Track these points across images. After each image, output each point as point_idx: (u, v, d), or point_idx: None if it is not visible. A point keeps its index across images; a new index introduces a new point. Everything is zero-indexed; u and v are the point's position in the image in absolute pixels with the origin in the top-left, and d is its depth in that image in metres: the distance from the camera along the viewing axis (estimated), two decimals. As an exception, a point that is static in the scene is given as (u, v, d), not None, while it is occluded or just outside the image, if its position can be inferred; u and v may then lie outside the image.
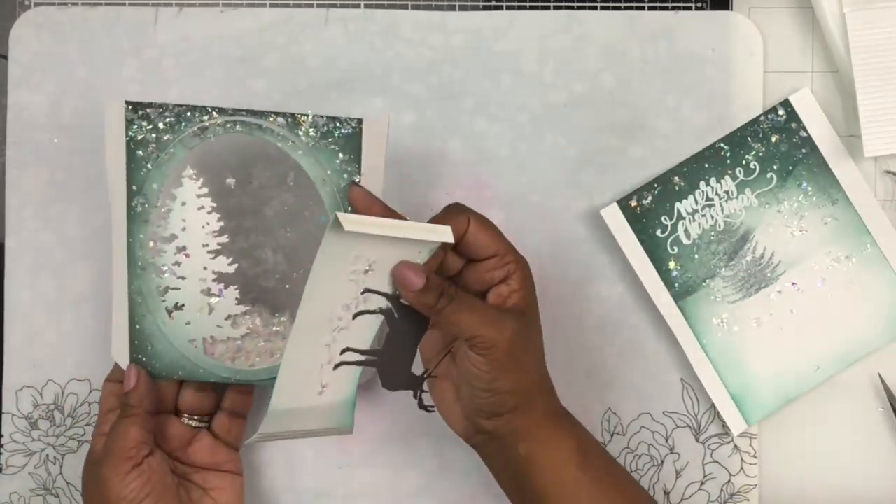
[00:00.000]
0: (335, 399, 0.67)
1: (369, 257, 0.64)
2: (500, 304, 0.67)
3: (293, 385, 0.65)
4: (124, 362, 0.72)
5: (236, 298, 0.73)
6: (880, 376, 0.79)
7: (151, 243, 0.73)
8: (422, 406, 0.69)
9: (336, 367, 0.66)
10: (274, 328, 0.74)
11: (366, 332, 0.66)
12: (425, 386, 0.69)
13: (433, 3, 0.81)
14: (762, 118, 0.79)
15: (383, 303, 0.66)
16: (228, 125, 0.72)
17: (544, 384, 0.69)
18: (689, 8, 0.80)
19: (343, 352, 0.66)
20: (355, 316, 0.65)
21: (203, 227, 0.73)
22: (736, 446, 0.79)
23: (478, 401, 0.66)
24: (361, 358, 0.67)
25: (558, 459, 0.67)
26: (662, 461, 0.79)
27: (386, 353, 0.67)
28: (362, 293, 0.65)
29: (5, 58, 0.81)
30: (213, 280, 0.73)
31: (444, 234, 0.65)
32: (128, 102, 0.71)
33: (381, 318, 0.66)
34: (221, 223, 0.73)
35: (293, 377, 0.65)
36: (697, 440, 0.79)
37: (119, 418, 0.72)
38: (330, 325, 0.65)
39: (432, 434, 0.79)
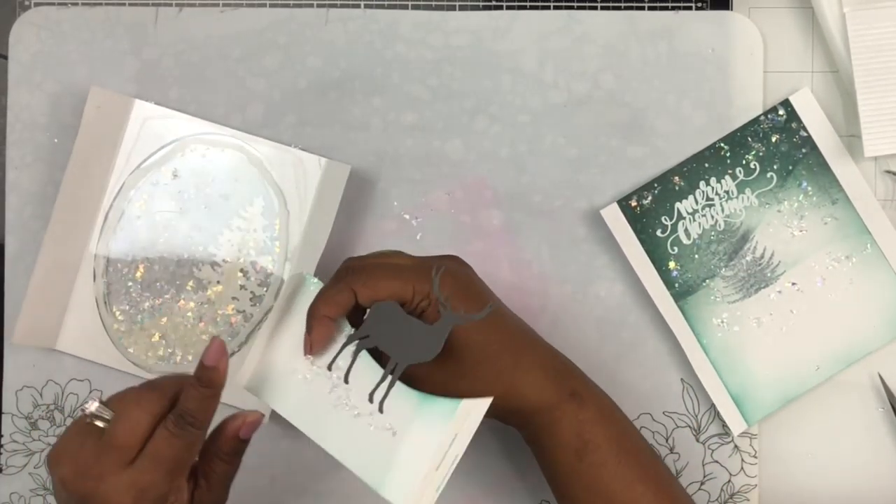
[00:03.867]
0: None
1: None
2: None
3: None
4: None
5: None
6: (880, 376, 0.79)
7: None
8: None
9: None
10: None
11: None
12: None
13: (433, 3, 0.81)
14: (762, 118, 0.79)
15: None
16: None
17: (528, 377, 0.67)
18: (689, 8, 0.80)
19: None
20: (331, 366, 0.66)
21: None
22: (736, 446, 0.79)
23: None
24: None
25: (553, 448, 0.67)
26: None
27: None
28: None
29: (5, 58, 0.81)
30: None
31: None
32: None
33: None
34: None
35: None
36: (697, 440, 0.79)
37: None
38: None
39: (432, 434, 0.79)
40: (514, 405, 0.67)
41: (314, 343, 0.65)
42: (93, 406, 0.62)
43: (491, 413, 0.65)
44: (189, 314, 0.79)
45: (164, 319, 0.79)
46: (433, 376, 0.65)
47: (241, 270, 0.79)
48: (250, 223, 0.79)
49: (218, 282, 0.79)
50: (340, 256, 0.78)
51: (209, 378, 0.63)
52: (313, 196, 0.79)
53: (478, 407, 0.63)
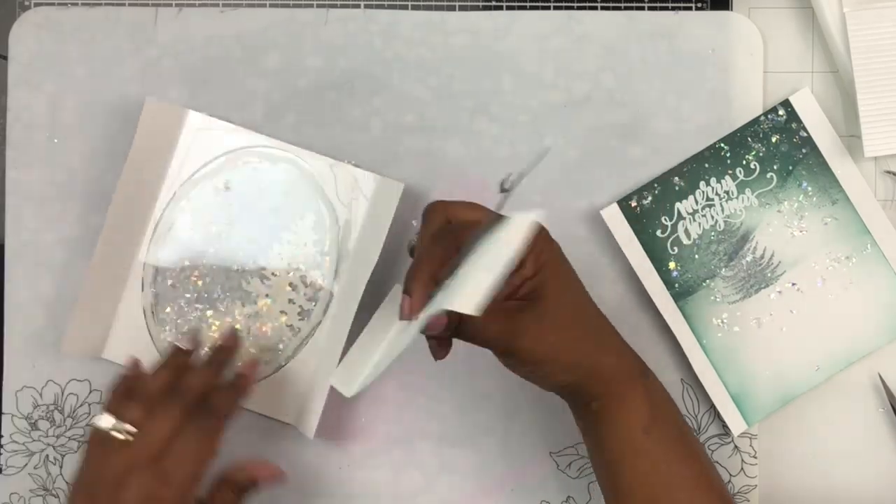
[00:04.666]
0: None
1: None
2: (513, 295, 0.64)
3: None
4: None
5: None
6: (880, 376, 0.79)
7: None
8: None
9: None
10: None
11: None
12: None
13: (433, 3, 0.81)
14: (762, 118, 0.79)
15: None
16: None
17: (607, 347, 0.67)
18: (689, 8, 0.80)
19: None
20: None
21: None
22: (736, 447, 0.79)
23: (538, 383, 0.66)
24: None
25: (625, 420, 0.66)
26: (662, 461, 0.79)
27: None
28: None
29: (5, 58, 0.81)
30: None
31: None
32: None
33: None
34: None
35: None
36: (697, 440, 0.79)
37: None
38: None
39: (432, 434, 0.79)
40: (605, 364, 0.66)
41: (414, 305, 0.61)
42: (107, 422, 0.66)
43: (577, 378, 0.65)
44: (237, 326, 0.79)
45: (212, 331, 0.79)
46: (529, 333, 0.63)
47: (290, 284, 0.79)
48: (301, 237, 0.79)
49: (267, 295, 0.79)
50: (340, 256, 0.78)
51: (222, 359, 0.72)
52: (364, 212, 0.78)
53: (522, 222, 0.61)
